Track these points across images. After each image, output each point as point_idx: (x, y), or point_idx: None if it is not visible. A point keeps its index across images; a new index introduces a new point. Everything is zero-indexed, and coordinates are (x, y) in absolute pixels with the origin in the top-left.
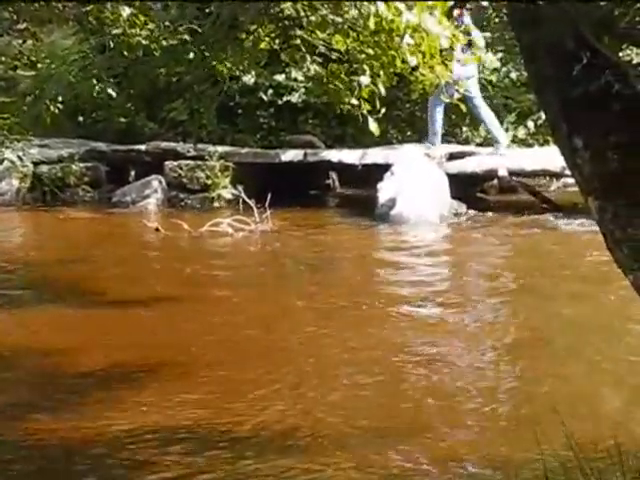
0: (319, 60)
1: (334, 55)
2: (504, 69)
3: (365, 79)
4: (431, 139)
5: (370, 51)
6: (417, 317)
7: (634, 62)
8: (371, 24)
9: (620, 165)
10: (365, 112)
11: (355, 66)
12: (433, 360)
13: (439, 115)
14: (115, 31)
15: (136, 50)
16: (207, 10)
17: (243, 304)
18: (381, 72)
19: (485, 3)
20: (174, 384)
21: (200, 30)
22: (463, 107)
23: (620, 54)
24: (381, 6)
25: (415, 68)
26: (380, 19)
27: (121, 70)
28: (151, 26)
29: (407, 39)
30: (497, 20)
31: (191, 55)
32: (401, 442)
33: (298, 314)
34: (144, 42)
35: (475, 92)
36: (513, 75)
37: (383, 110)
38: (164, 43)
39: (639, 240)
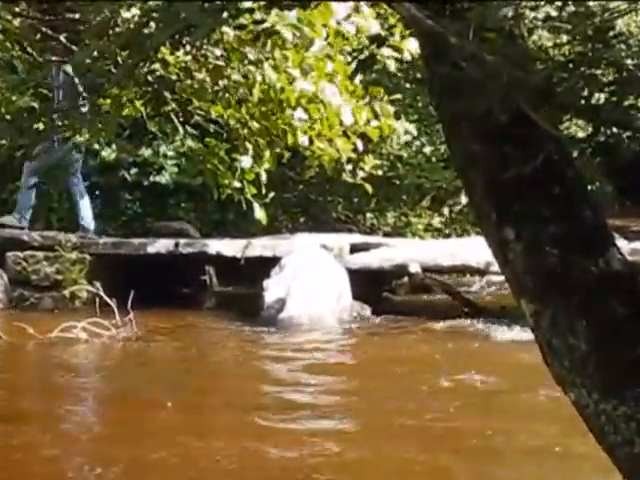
0: (194, 133)
1: (212, 127)
2: (417, 142)
3: (247, 160)
4: None
5: (255, 124)
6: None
7: (577, 136)
8: (255, 95)
9: (560, 261)
10: (249, 197)
11: (236, 143)
12: None
13: None
14: None
15: None
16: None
17: (93, 427)
18: (267, 151)
19: (393, 68)
20: None
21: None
22: (369, 188)
23: (561, 127)
24: (270, 73)
25: (310, 142)
26: (267, 88)
27: None
28: None
29: (300, 113)
30: (408, 85)
31: (40, 125)
32: None
33: (165, 438)
34: None
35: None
36: (427, 150)
37: (271, 194)
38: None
39: (583, 351)
